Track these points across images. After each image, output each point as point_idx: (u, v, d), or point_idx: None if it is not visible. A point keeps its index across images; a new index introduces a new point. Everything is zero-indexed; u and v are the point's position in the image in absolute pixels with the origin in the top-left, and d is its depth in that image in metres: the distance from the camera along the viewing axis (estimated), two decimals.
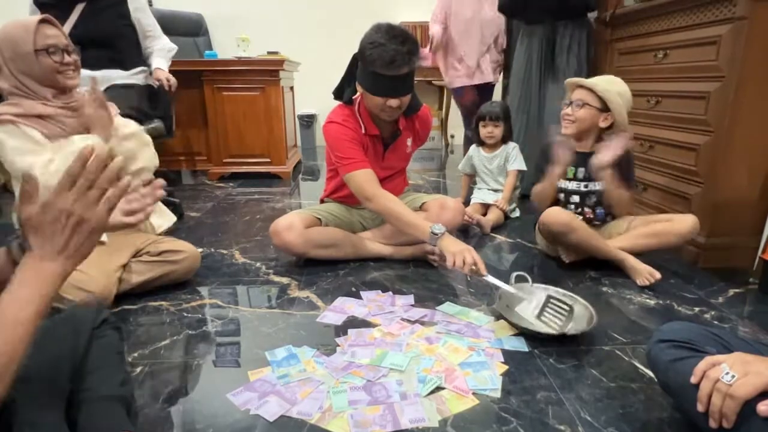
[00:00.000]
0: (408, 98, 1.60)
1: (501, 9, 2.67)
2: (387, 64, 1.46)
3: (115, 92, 2.02)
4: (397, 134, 1.75)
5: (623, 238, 1.70)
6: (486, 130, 2.33)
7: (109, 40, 2.14)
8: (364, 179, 1.60)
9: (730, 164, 1.65)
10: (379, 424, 0.93)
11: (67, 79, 1.36)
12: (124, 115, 1.56)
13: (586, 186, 1.73)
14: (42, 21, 1.34)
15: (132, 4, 2.22)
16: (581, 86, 1.68)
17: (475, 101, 3.27)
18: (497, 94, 4.50)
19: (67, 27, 2.08)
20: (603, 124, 1.66)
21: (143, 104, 2.18)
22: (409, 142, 1.82)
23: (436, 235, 1.45)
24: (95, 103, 1.35)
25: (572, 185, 1.75)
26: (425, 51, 3.10)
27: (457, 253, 1.37)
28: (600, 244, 1.64)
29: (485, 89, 3.28)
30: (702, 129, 1.71)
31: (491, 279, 1.36)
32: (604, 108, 1.64)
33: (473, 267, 1.34)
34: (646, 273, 1.56)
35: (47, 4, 2.18)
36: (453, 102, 3.75)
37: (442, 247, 1.44)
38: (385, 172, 1.81)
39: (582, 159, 1.69)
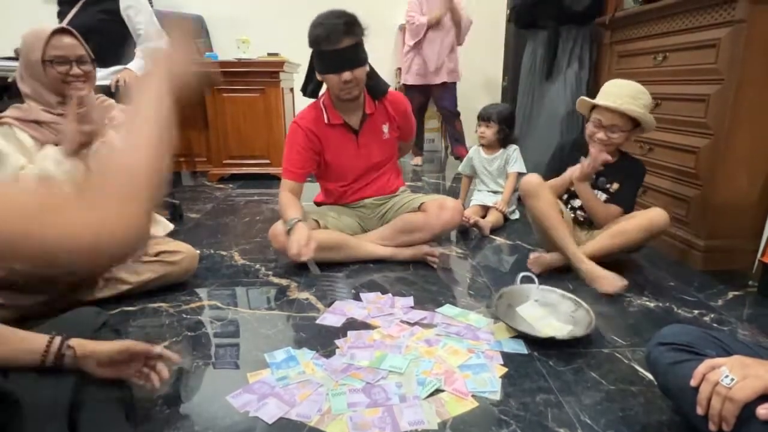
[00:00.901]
0: (362, 72, 1.63)
1: (515, 22, 2.74)
2: (327, 38, 1.55)
3: None
4: (365, 119, 1.77)
5: (590, 243, 1.64)
6: (479, 130, 2.36)
7: (89, 36, 2.12)
8: (286, 186, 1.73)
9: (730, 167, 1.65)
10: (378, 426, 0.93)
11: (74, 90, 1.36)
12: None
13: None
14: (58, 31, 1.34)
15: (124, 1, 2.19)
16: (609, 110, 1.58)
17: (420, 101, 3.68)
18: (496, 96, 4.52)
19: (64, 23, 2.08)
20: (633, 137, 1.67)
21: None
22: (385, 128, 1.82)
23: (289, 227, 1.57)
24: (72, 117, 1.35)
25: None
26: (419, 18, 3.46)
27: (292, 242, 1.49)
28: (560, 234, 1.60)
29: (441, 88, 3.59)
30: (701, 132, 1.71)
31: (311, 264, 1.48)
32: (636, 124, 1.61)
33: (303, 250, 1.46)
34: (610, 278, 1.50)
35: (62, 2, 2.18)
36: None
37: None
38: (366, 161, 1.81)
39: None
